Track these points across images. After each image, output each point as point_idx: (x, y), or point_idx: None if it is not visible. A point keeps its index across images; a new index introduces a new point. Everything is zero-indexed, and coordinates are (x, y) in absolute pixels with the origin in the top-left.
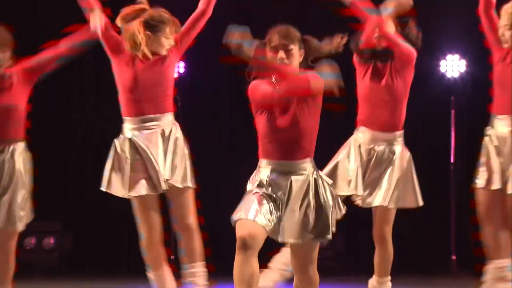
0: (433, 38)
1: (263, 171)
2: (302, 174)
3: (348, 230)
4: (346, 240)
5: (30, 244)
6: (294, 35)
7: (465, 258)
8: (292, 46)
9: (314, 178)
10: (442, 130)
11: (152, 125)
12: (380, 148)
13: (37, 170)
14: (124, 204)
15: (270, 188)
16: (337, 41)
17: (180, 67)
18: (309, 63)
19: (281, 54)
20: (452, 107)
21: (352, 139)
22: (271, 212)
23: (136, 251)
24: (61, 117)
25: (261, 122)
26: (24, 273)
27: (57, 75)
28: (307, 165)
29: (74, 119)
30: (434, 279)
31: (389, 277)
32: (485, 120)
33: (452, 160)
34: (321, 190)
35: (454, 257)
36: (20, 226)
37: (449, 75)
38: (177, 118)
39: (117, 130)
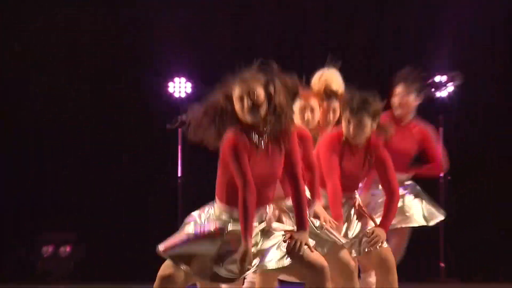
0: (420, 58)
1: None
2: None
3: None
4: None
5: (48, 252)
6: (259, 80)
7: (453, 265)
8: (258, 95)
9: None
10: None
11: None
12: None
13: (56, 187)
14: (134, 215)
15: None
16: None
17: (188, 88)
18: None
19: (247, 103)
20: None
21: None
22: None
23: (143, 260)
24: (77, 133)
25: None
26: (41, 279)
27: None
28: None
29: (89, 136)
30: (423, 287)
31: None
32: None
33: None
34: None
35: (442, 265)
36: None
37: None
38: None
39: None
